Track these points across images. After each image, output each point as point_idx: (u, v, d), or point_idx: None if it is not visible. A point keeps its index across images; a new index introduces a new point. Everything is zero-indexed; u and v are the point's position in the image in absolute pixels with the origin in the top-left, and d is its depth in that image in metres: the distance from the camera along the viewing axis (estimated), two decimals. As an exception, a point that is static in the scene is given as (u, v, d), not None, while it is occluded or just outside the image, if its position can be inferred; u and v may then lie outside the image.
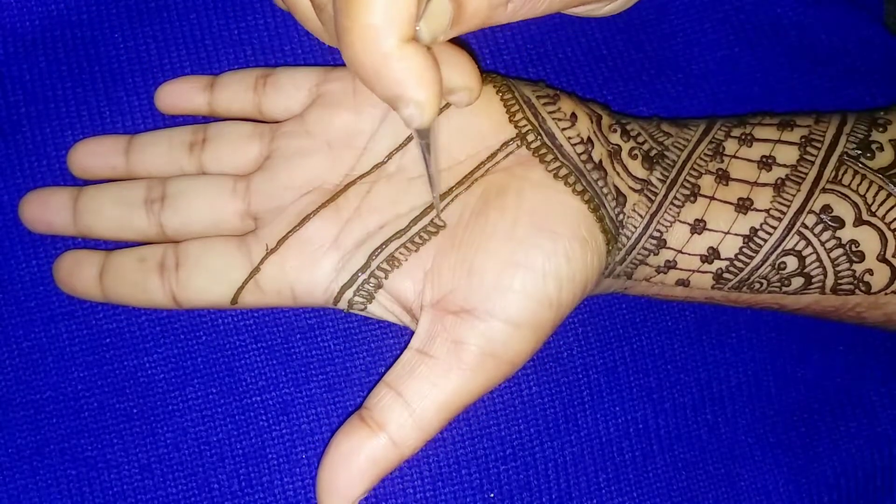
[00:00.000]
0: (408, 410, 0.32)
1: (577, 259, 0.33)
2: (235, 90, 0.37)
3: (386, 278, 0.34)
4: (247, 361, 0.37)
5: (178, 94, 0.38)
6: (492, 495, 0.37)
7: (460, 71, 0.31)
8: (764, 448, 0.39)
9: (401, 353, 0.34)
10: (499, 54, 0.40)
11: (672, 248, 0.34)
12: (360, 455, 0.32)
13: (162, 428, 0.36)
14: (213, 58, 0.39)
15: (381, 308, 0.34)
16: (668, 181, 0.34)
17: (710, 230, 0.34)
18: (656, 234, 0.34)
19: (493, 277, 0.32)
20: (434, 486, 0.37)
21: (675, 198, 0.34)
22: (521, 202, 0.33)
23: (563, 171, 0.33)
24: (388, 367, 0.37)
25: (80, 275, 0.36)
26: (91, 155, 0.37)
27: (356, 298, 0.34)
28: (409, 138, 0.35)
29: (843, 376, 0.40)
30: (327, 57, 0.39)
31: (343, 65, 0.38)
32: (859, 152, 0.34)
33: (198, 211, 0.35)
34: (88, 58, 0.39)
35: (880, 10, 0.43)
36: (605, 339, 0.38)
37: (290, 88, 0.36)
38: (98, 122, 0.38)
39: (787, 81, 0.41)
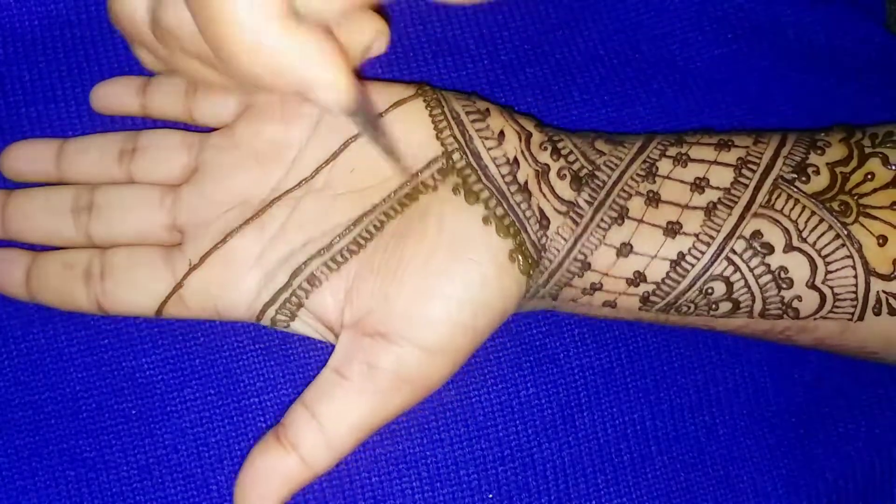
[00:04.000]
0: (321, 431, 0.32)
1: (494, 286, 0.33)
2: (168, 94, 0.37)
3: (307, 297, 0.34)
4: (245, 363, 0.37)
5: (113, 96, 0.37)
6: (490, 496, 0.37)
7: (361, 23, 0.29)
8: (762, 449, 0.39)
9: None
10: (496, 55, 0.40)
11: (597, 271, 0.34)
12: (273, 473, 0.32)
13: (160, 429, 0.36)
14: (212, 58, 0.39)
15: (305, 325, 0.35)
16: (596, 203, 0.34)
17: (636, 254, 0.33)
18: (580, 256, 0.33)
19: (408, 304, 0.32)
20: (432, 486, 0.37)
21: (601, 220, 0.33)
22: (441, 227, 0.33)
23: (486, 195, 0.33)
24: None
25: (7, 274, 0.36)
26: (22, 159, 0.37)
27: (278, 317, 0.34)
28: (336, 153, 0.34)
29: (840, 377, 0.40)
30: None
31: None
32: (794, 176, 0.34)
33: (125, 223, 0.35)
34: (88, 58, 0.39)
35: (880, 10, 0.43)
36: (602, 340, 0.38)
37: (220, 96, 0.36)
38: (98, 122, 0.38)
39: (784, 81, 0.41)
